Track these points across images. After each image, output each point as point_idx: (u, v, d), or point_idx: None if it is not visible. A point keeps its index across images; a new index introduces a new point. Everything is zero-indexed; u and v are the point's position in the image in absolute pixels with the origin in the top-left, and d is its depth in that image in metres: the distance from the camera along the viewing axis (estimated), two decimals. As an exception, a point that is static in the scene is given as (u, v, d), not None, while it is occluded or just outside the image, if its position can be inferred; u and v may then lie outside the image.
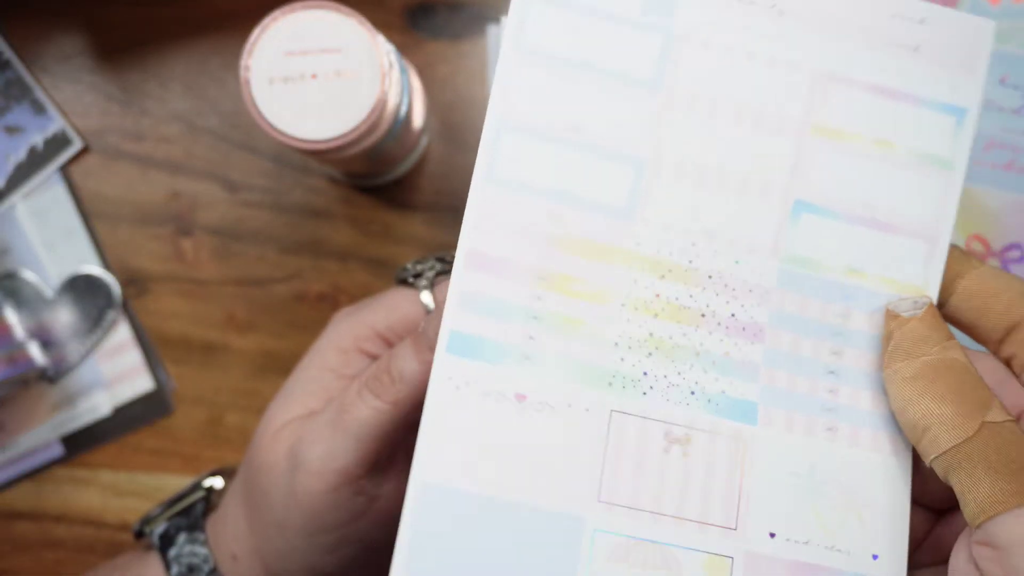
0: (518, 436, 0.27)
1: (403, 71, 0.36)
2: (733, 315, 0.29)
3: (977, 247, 0.42)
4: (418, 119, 0.40)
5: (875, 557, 0.28)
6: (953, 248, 0.29)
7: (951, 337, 0.27)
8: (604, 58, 0.28)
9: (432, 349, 0.27)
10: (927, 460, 0.26)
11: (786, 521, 0.28)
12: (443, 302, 0.27)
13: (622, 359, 0.28)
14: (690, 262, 0.28)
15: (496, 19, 0.43)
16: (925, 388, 0.26)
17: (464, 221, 0.27)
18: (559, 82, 0.28)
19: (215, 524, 0.35)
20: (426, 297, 0.33)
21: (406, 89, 0.36)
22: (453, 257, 0.29)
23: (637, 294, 0.28)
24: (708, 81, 0.28)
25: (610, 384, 0.28)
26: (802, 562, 0.28)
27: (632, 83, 0.28)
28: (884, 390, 0.28)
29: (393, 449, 0.32)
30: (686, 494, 0.28)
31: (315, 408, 0.32)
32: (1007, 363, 0.28)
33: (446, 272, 0.33)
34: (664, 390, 0.28)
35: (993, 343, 0.28)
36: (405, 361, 0.30)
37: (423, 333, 0.30)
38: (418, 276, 0.34)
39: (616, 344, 0.28)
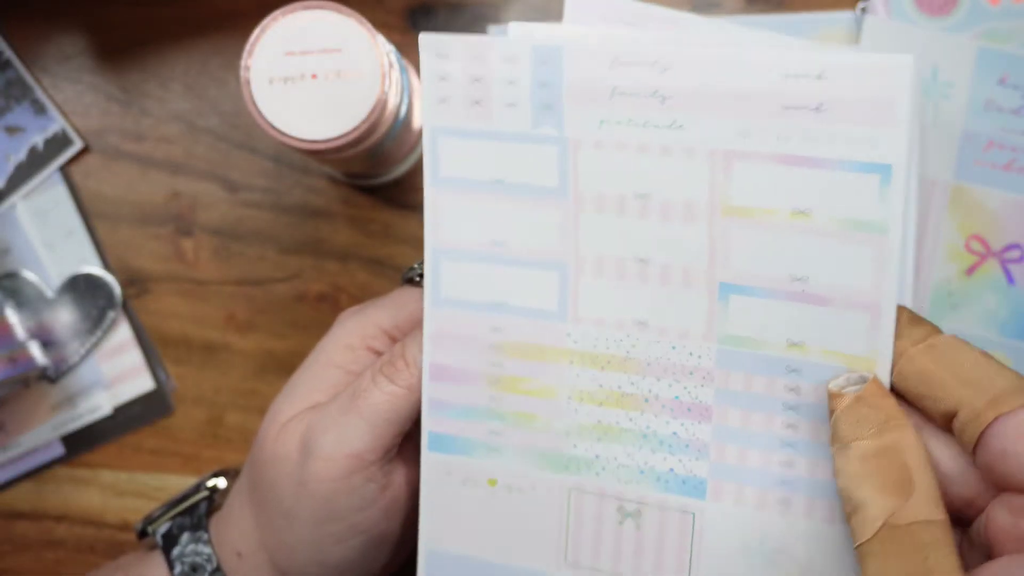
0: (494, 512, 0.31)
1: (403, 71, 0.36)
2: (677, 397, 0.29)
3: (977, 247, 0.42)
4: (418, 119, 0.40)
5: None
6: (905, 315, 0.27)
7: (895, 415, 0.25)
8: (512, 174, 0.30)
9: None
10: (854, 541, 0.25)
11: None
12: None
13: (575, 445, 0.30)
14: (627, 352, 0.30)
15: (496, 19, 0.43)
16: (858, 472, 0.25)
17: (424, 338, 0.31)
18: (477, 204, 0.30)
19: (219, 523, 0.35)
20: None
21: (406, 89, 0.36)
22: None
23: (581, 386, 0.30)
24: (610, 180, 0.28)
25: (566, 467, 0.31)
26: None
27: (541, 193, 0.29)
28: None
29: (403, 439, 0.32)
30: (640, 561, 0.30)
31: (321, 401, 0.32)
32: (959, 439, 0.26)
33: None
34: (615, 470, 0.30)
35: (941, 425, 0.26)
36: (420, 347, 0.31)
37: None
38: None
39: (568, 433, 0.30)
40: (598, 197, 0.29)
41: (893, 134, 0.26)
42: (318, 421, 0.31)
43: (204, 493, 0.36)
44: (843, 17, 0.42)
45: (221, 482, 0.37)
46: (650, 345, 0.29)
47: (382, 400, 0.31)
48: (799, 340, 0.28)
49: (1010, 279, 0.42)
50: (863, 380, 0.26)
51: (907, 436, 0.25)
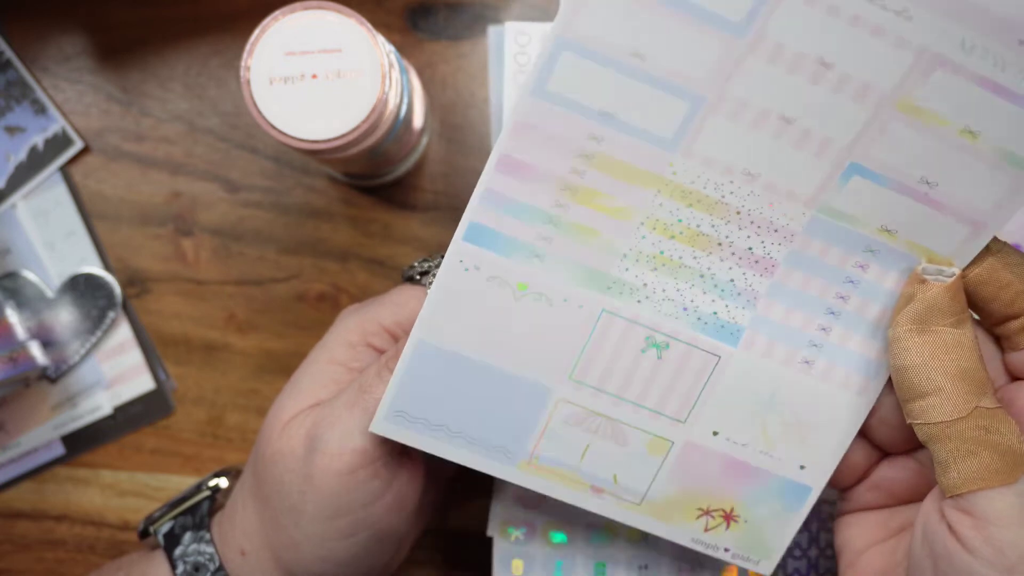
0: (512, 318, 0.29)
1: (403, 71, 0.36)
2: (750, 249, 0.30)
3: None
4: (418, 119, 0.40)
5: (801, 467, 0.31)
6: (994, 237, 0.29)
7: (967, 313, 0.28)
8: None
9: None
10: (911, 421, 0.28)
11: (732, 425, 0.31)
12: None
13: (627, 269, 0.29)
14: (722, 197, 0.29)
15: (496, 19, 0.43)
16: (932, 357, 0.27)
17: (503, 129, 0.28)
18: (639, 10, 0.27)
19: (222, 523, 0.35)
20: None
21: (406, 89, 0.36)
22: None
23: (659, 216, 0.29)
24: (801, 36, 0.27)
25: (608, 288, 0.30)
26: (734, 458, 0.31)
27: (720, 24, 0.27)
28: (881, 339, 0.30)
29: None
30: (649, 388, 0.30)
31: (324, 398, 0.32)
32: (997, 341, 0.29)
33: None
34: (658, 302, 0.30)
35: (991, 323, 0.29)
36: None
37: None
38: (425, 273, 0.34)
39: (624, 256, 0.29)
40: (777, 47, 0.27)
41: None
42: (324, 417, 0.31)
43: (206, 493, 0.36)
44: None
45: (223, 481, 0.37)
46: (749, 197, 0.29)
47: None
48: (893, 228, 0.29)
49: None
50: (944, 273, 0.29)
51: (974, 333, 0.28)
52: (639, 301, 0.30)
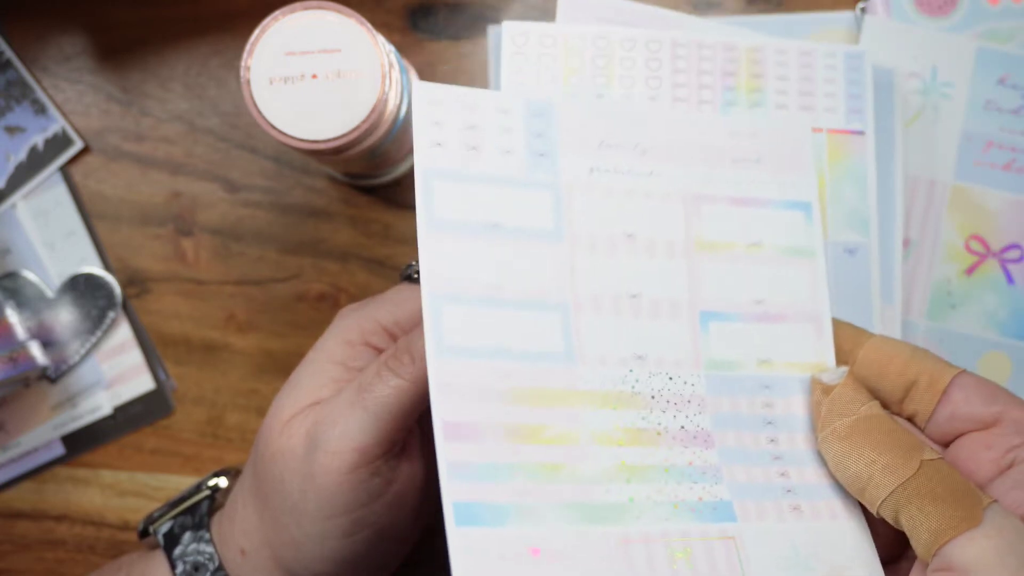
0: None
1: (403, 71, 0.36)
2: (683, 427, 0.31)
3: (976, 247, 0.42)
4: (418, 119, 0.41)
5: None
6: (841, 324, 0.32)
7: (872, 397, 0.29)
8: (508, 218, 0.30)
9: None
10: (874, 508, 0.28)
11: None
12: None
13: (607, 491, 0.29)
14: (632, 388, 0.30)
15: (496, 19, 0.43)
16: (861, 441, 0.28)
17: (432, 393, 0.28)
18: (474, 247, 0.30)
19: (221, 522, 0.35)
20: None
21: (406, 89, 0.37)
22: None
23: (598, 427, 0.30)
24: (600, 222, 0.31)
25: (605, 517, 0.29)
26: None
27: (537, 236, 0.30)
28: (822, 459, 0.30)
29: (408, 435, 0.33)
30: None
31: (324, 397, 0.33)
32: (911, 420, 0.30)
33: None
34: (652, 509, 0.29)
35: (895, 404, 0.30)
36: (424, 341, 0.31)
37: None
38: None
39: (596, 480, 0.29)
40: (590, 237, 0.31)
41: (805, 176, 0.34)
42: (324, 415, 0.31)
43: (205, 492, 0.36)
44: (843, 17, 0.42)
45: (222, 481, 0.37)
46: (651, 378, 0.31)
47: (388, 394, 0.31)
48: (766, 357, 0.32)
49: (1009, 279, 0.42)
50: (839, 374, 0.31)
51: (879, 407, 0.29)
52: (637, 517, 0.29)
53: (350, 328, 0.33)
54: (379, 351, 0.33)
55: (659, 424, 0.30)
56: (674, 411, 0.31)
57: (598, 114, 0.32)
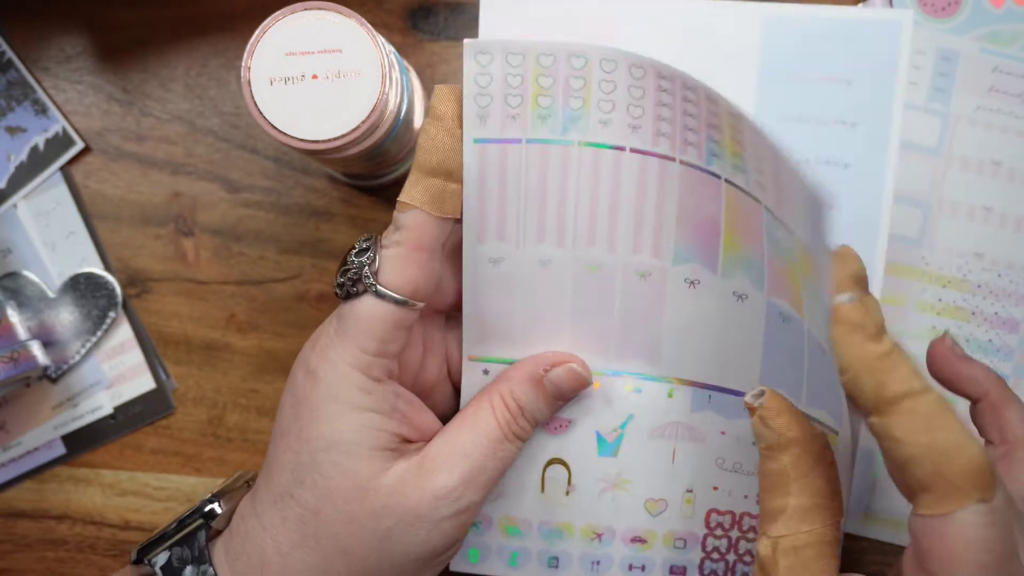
0: None
1: (403, 71, 0.36)
2: (996, 313, 0.40)
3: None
4: (418, 119, 0.40)
5: None
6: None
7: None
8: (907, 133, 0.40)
9: None
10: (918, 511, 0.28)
11: None
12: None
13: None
14: (964, 276, 0.40)
15: (496, 19, 0.43)
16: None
17: None
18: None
19: (238, 561, 0.32)
20: (384, 291, 0.31)
21: (406, 89, 0.37)
22: (362, 241, 0.31)
23: (924, 299, 0.40)
24: (978, 148, 0.40)
25: None
26: None
27: (920, 149, 0.40)
28: None
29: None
30: None
31: (390, 448, 0.32)
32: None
33: (371, 258, 0.31)
34: None
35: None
36: (525, 388, 0.33)
37: None
38: (356, 280, 0.31)
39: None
40: (964, 159, 0.40)
41: None
42: (401, 517, 0.31)
43: (200, 521, 0.34)
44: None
45: (217, 508, 0.34)
46: (982, 272, 0.40)
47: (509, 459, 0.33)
48: None
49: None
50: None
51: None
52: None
53: (347, 372, 0.31)
54: (387, 379, 0.32)
55: (976, 307, 0.40)
56: (993, 299, 0.40)
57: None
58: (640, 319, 0.33)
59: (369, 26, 0.33)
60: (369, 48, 0.33)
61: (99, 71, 0.44)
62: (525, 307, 0.34)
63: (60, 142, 0.44)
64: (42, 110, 0.44)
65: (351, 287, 0.31)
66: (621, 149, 0.32)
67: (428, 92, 0.43)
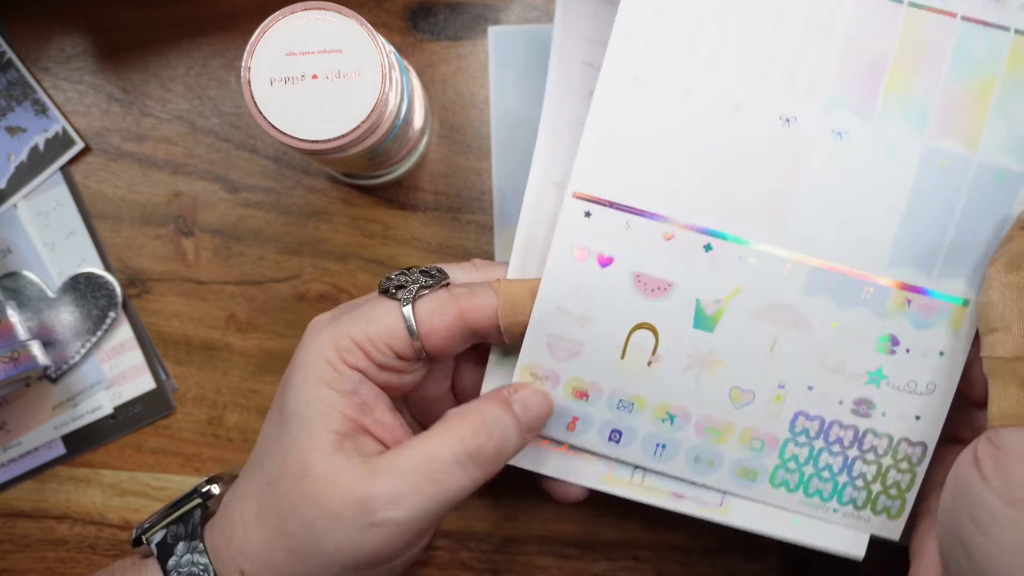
0: None
1: (403, 71, 0.36)
2: None
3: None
4: (418, 119, 0.41)
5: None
6: None
7: None
8: None
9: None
10: (982, 353, 0.30)
11: None
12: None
13: None
14: None
15: (496, 20, 0.43)
16: (1010, 298, 0.29)
17: None
18: None
19: (214, 534, 0.34)
20: (407, 311, 0.32)
21: (406, 89, 0.37)
22: (437, 271, 0.32)
23: None
24: None
25: None
26: None
27: None
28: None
29: None
30: None
31: (341, 432, 0.31)
32: None
33: (429, 287, 0.33)
34: None
35: None
36: (538, 398, 0.33)
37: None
38: (401, 287, 0.33)
39: None
40: None
41: None
42: (382, 491, 0.30)
43: (197, 500, 0.35)
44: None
45: (215, 488, 0.35)
46: None
47: (465, 485, 0.31)
48: None
49: None
50: None
51: None
52: None
53: (325, 346, 0.32)
54: (357, 370, 0.32)
55: None
56: None
57: None
58: (772, 177, 0.31)
59: (369, 26, 0.33)
60: (369, 48, 0.33)
61: (99, 71, 0.44)
62: (654, 140, 0.31)
63: (60, 142, 0.44)
64: (42, 110, 0.44)
65: (392, 289, 0.33)
66: None
67: (428, 92, 0.43)
